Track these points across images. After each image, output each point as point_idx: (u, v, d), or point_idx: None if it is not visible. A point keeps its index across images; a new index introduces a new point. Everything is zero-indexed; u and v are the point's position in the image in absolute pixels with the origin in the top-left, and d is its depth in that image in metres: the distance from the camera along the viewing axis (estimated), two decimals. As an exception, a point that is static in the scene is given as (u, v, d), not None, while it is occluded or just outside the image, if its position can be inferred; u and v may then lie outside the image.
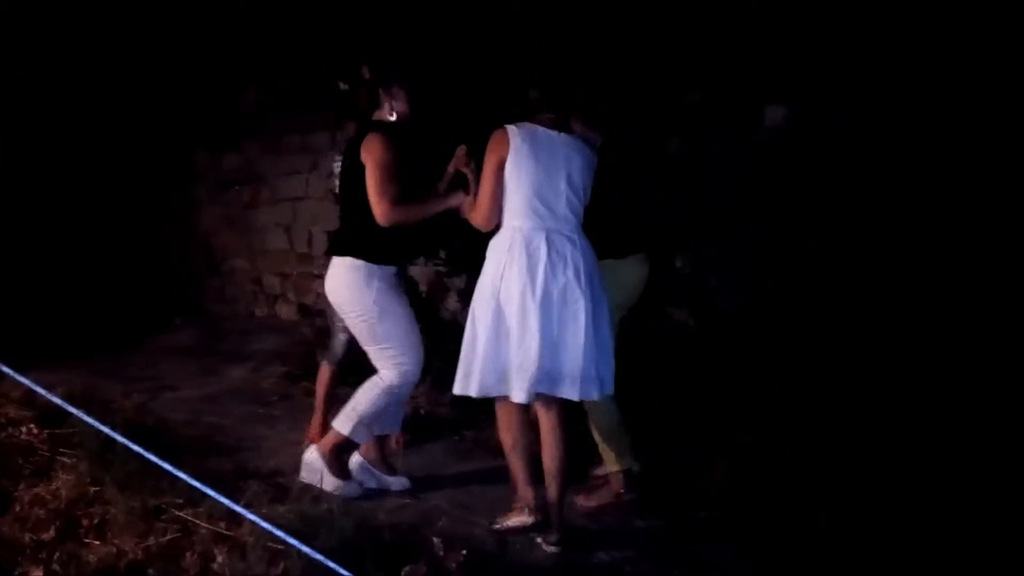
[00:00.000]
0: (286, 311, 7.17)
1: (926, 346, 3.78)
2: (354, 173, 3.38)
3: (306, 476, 3.53)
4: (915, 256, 3.89)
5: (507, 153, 3.09)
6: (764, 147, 4.33)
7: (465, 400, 3.28)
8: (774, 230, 4.30)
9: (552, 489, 3.15)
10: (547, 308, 3.03)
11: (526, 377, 3.03)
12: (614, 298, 3.40)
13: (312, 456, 3.56)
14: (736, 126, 4.45)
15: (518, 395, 3.06)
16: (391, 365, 3.44)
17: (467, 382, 3.13)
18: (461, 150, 3.37)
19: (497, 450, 4.00)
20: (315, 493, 3.41)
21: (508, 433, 3.19)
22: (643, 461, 3.54)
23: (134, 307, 7.00)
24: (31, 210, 6.79)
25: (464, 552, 2.87)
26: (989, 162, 3.76)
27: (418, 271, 5.48)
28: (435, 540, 2.93)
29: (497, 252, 3.13)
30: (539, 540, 3.15)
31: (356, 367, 3.76)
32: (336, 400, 3.81)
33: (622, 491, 3.51)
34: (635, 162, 3.62)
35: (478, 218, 3.20)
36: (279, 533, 2.49)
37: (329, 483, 3.51)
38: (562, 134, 3.15)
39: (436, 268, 5.47)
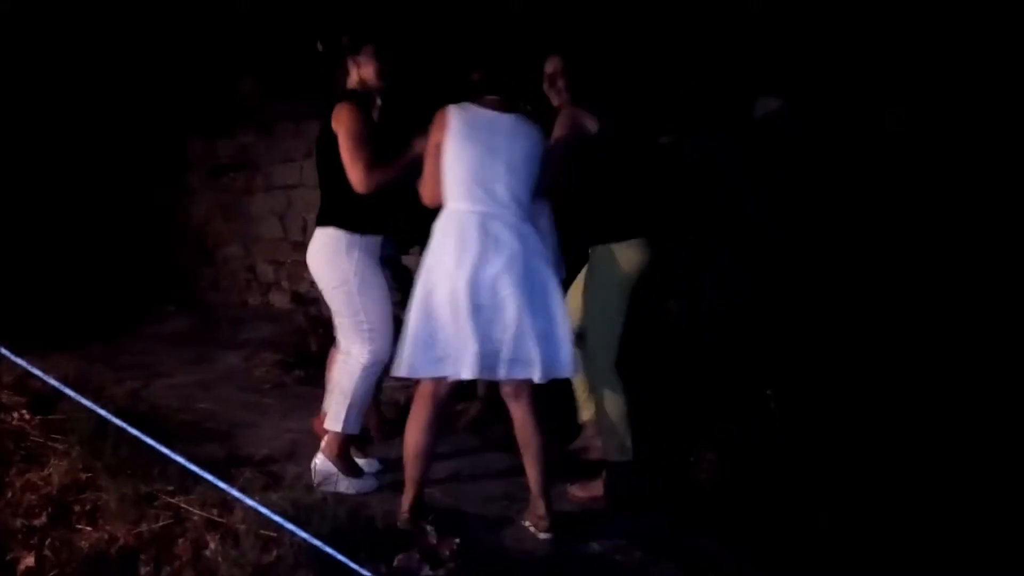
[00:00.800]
0: (280, 299, 7.16)
1: (922, 343, 3.79)
2: (328, 143, 3.36)
3: (323, 485, 3.42)
4: (911, 255, 3.90)
5: (444, 134, 3.05)
6: (762, 146, 4.33)
7: (460, 389, 3.27)
8: (771, 228, 4.31)
9: (534, 477, 3.14)
10: (476, 292, 2.97)
11: (460, 359, 2.99)
12: (610, 282, 3.39)
13: (324, 464, 3.48)
14: (734, 123, 4.45)
15: (453, 374, 3.02)
16: (363, 340, 3.42)
17: (399, 362, 3.07)
18: None
19: (490, 440, 4.02)
20: (308, 481, 3.41)
21: (418, 409, 3.12)
22: (637, 455, 3.56)
23: (126, 295, 6.98)
24: (24, 198, 6.76)
25: (457, 541, 2.87)
26: (989, 162, 3.77)
27: (414, 261, 5.46)
28: (428, 528, 2.94)
29: (435, 234, 3.09)
30: (531, 528, 3.16)
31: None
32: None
33: None
34: (636, 149, 3.61)
35: (424, 196, 3.17)
36: (275, 517, 2.48)
37: (345, 485, 3.45)
38: (506, 115, 3.08)
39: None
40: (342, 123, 3.30)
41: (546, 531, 3.13)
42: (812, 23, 4.11)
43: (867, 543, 3.16)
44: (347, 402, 3.43)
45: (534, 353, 3.01)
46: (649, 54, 4.41)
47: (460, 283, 2.96)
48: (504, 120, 3.07)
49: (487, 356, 3.01)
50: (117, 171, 7.34)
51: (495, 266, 2.98)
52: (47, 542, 2.84)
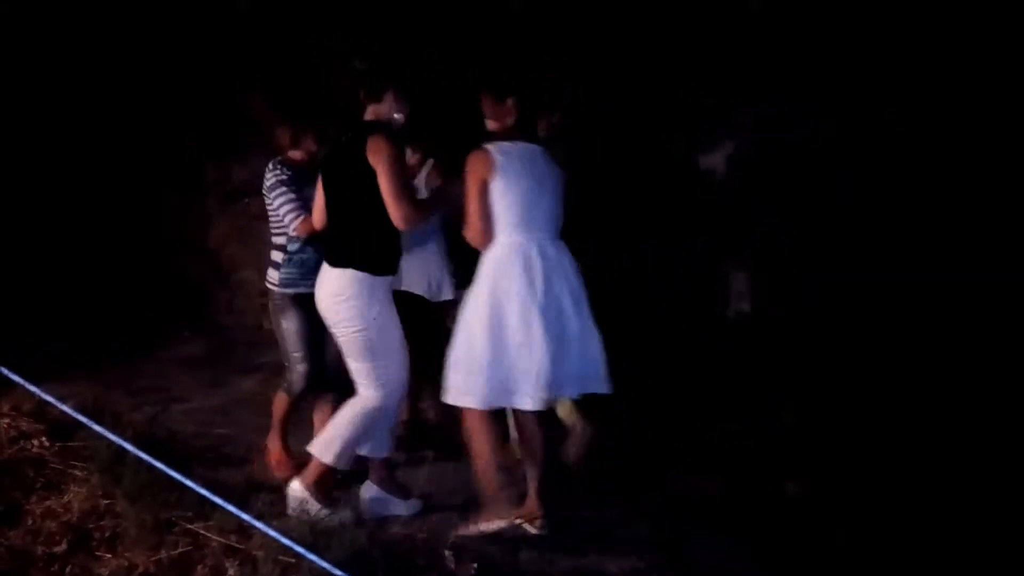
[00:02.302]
0: (294, 323, 7.16)
1: (924, 345, 3.78)
2: (354, 177, 3.20)
3: (293, 509, 3.33)
4: (920, 257, 3.89)
5: (491, 173, 3.14)
6: (768, 151, 4.34)
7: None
8: (778, 233, 4.31)
9: (533, 481, 3.29)
10: (549, 315, 3.11)
11: (536, 384, 3.09)
12: None
13: (296, 489, 3.38)
14: (741, 129, 4.46)
15: (528, 403, 3.12)
16: (378, 384, 3.31)
17: (467, 393, 3.18)
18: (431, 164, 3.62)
19: (506, 464, 4.00)
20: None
21: (481, 437, 3.27)
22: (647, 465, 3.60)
23: (142, 318, 7.01)
24: (39, 223, 6.83)
25: (475, 564, 2.87)
26: (988, 164, 3.77)
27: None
28: (446, 552, 2.93)
29: (493, 265, 3.18)
30: (527, 527, 3.27)
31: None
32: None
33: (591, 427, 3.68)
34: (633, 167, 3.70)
35: (474, 237, 3.25)
36: (292, 545, 2.49)
37: (316, 510, 3.31)
38: (535, 146, 3.25)
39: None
40: (383, 158, 3.13)
41: (540, 527, 3.27)
42: (813, 23, 4.12)
43: (881, 556, 3.15)
44: (344, 437, 3.33)
45: (583, 368, 3.23)
46: (648, 55, 4.43)
47: (535, 306, 3.10)
48: (538, 151, 3.24)
49: (555, 378, 3.17)
50: (133, 195, 7.39)
51: (558, 287, 3.15)
52: (67, 569, 2.87)
